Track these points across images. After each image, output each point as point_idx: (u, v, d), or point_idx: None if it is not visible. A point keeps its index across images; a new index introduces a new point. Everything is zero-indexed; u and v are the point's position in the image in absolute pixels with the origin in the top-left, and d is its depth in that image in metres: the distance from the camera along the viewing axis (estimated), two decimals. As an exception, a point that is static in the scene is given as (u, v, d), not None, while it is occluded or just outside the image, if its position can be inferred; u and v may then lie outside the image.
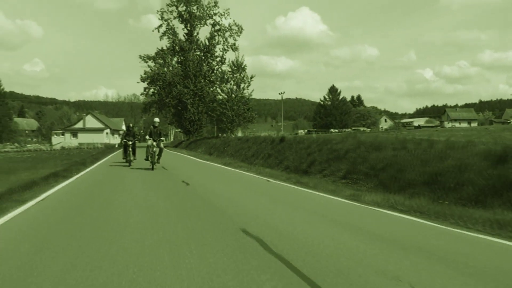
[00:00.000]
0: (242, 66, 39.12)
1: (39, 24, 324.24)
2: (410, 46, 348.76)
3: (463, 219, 5.39)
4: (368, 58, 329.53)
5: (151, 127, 15.69)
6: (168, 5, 45.23)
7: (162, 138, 15.35)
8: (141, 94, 49.54)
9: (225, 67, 43.69)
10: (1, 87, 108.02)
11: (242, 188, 9.82)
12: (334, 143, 12.50)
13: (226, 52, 45.70)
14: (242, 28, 45.36)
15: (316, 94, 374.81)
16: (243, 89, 38.08)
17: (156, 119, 15.96)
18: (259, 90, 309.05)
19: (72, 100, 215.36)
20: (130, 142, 17.27)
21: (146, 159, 15.07)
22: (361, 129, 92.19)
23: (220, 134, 38.74)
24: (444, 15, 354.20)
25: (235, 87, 37.55)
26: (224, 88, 38.19)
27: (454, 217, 5.54)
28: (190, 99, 43.54)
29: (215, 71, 45.39)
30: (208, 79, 45.16)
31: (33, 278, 3.29)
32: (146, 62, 45.30)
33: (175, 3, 44.98)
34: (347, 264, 3.60)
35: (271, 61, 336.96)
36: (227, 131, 36.79)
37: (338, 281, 3.16)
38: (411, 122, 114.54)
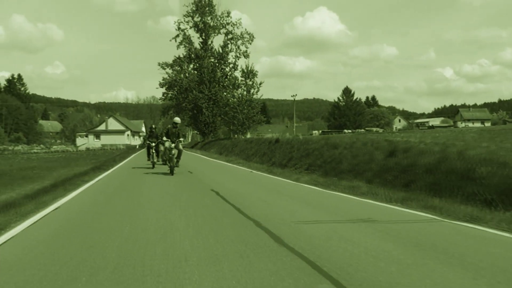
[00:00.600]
0: (253, 72, 43.09)
1: (60, 27, 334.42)
2: (430, 44, 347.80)
3: (348, 189, 9.10)
4: (387, 57, 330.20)
5: (169, 126, 14.82)
6: (184, 15, 49.49)
7: (181, 139, 14.30)
8: (160, 99, 54.09)
9: (237, 73, 47.69)
10: (27, 90, 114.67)
11: (229, 175, 14.04)
12: (310, 144, 16.21)
13: (238, 59, 49.67)
14: (253, 36, 49.27)
15: (334, 94, 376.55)
16: (253, 94, 41.97)
17: (177, 119, 14.89)
18: (277, 90, 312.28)
19: (93, 102, 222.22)
20: (154, 144, 17.08)
21: (164, 163, 14.85)
22: (374, 129, 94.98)
23: (232, 136, 42.63)
24: (464, 12, 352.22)
25: (245, 92, 41.47)
26: (235, 94, 42.20)
27: (344, 188, 9.26)
28: (205, 103, 47.62)
29: (228, 76, 49.34)
30: (221, 84, 49.16)
31: (112, 206, 7.16)
32: (164, 69, 49.67)
33: (191, 14, 49.13)
34: (274, 209, 7.33)
35: (289, 61, 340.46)
36: (238, 133, 40.76)
37: (260, 213, 6.82)
38: (426, 122, 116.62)
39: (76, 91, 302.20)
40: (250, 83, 42.36)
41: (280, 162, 16.37)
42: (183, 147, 18.13)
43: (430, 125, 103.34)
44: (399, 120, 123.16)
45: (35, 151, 63.27)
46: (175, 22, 49.55)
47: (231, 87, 45.14)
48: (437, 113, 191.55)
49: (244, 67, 43.30)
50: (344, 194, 8.58)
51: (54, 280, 3.24)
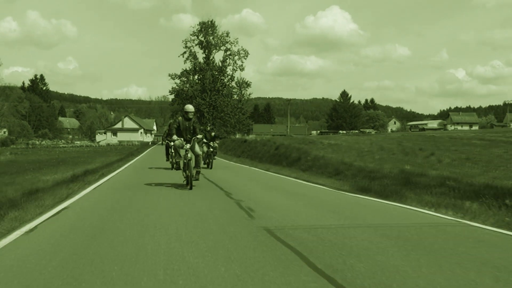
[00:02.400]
0: (247, 82, 54.92)
1: (74, 24, 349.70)
2: (442, 45, 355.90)
3: (259, 166, 20.63)
4: (399, 58, 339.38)
5: (180, 118, 10.87)
6: (191, 34, 61.36)
7: (199, 136, 10.71)
8: (169, 104, 65.86)
9: (233, 84, 59.47)
10: (46, 86, 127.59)
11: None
12: (258, 143, 27.79)
13: (235, 72, 61.42)
14: (248, 53, 61.00)
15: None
16: (243, 103, 53.74)
17: (189, 107, 10.94)
18: (288, 89, 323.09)
19: (105, 98, 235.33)
20: (172, 143, 15.88)
21: (177, 168, 12.16)
22: (367, 131, 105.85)
23: (227, 136, 54.35)
24: (478, 13, 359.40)
25: (237, 101, 53.34)
26: (229, 103, 54.09)
27: (258, 166, 20.77)
28: (206, 109, 59.44)
29: (226, 86, 61.13)
30: (221, 93, 60.95)
31: (141, 176, 18.73)
32: (174, 79, 61.63)
33: (196, 34, 61.02)
34: (230, 182, 18.81)
35: (301, 60, 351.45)
36: (230, 134, 52.55)
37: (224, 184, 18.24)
38: (422, 124, 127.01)
39: (88, 87, 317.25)
40: (245, 93, 54.18)
41: (239, 154, 28.05)
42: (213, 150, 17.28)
43: (422, 127, 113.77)
44: (394, 122, 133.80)
45: (62, 145, 75.48)
46: (183, 41, 61.31)
47: (228, 96, 56.97)
48: (442, 114, 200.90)
49: (238, 79, 55.11)
50: (253, 167, 20.10)
51: (123, 197, 14.74)
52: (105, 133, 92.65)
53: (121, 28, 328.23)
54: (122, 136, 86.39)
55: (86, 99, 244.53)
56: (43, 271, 3.54)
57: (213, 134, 18.46)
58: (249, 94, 53.44)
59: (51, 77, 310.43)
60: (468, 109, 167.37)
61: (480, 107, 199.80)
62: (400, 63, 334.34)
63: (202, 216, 6.33)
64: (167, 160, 17.77)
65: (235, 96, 54.13)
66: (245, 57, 61.02)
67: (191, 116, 10.48)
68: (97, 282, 3.30)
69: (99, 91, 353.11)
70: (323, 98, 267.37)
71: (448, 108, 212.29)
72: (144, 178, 13.24)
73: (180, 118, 10.74)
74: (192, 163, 10.29)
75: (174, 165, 12.58)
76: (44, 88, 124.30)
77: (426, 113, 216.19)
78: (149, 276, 3.46)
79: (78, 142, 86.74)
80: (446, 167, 15.03)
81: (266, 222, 5.83)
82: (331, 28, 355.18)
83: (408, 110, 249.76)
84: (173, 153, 15.80)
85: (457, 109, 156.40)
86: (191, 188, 9.86)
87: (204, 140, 15.98)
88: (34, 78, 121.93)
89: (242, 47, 62.78)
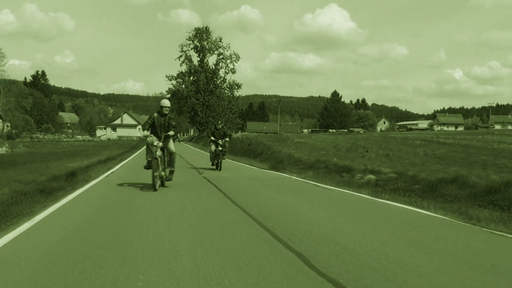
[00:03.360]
0: (238, 84, 61.32)
1: (71, 17, 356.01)
2: (440, 45, 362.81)
3: (231, 158, 27.05)
4: (397, 57, 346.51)
5: (155, 115, 10.30)
6: (186, 39, 67.76)
7: (170, 133, 10.00)
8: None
9: (225, 85, 65.97)
10: (47, 81, 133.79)
11: (196, 155, 31.78)
12: (239, 140, 34.22)
13: (227, 74, 67.89)
14: (239, 57, 67.48)
15: (344, 92, 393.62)
16: (234, 103, 60.16)
17: (165, 101, 10.50)
18: (286, 86, 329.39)
19: (102, 93, 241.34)
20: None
21: (148, 167, 9.70)
22: (356, 130, 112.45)
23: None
24: (475, 14, 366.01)
25: (227, 102, 59.84)
26: (220, 103, 60.62)
27: (230, 158, 27.19)
28: (200, 108, 65.87)
29: (218, 88, 67.63)
30: (214, 93, 67.41)
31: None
32: (170, 80, 68.02)
33: (192, 39, 67.38)
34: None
35: (298, 58, 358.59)
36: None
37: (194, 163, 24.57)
38: (407, 124, 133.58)
39: (85, 81, 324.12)
40: (235, 94, 60.71)
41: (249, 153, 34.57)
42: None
43: (409, 128, 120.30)
44: (384, 122, 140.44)
45: (65, 139, 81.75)
46: (179, 45, 67.60)
47: (220, 97, 63.57)
48: (438, 113, 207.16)
49: (229, 81, 61.71)
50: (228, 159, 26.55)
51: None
52: (105, 128, 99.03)
53: (119, 23, 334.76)
54: (121, 132, 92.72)
55: (84, 94, 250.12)
56: (121, 180, 10.04)
57: (225, 130, 16.95)
58: (238, 97, 59.74)
59: (48, 71, 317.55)
60: (462, 110, 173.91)
61: (474, 108, 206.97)
62: (398, 62, 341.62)
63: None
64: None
65: (226, 96, 60.68)
66: (237, 61, 67.53)
67: (166, 112, 10.11)
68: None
69: (96, 85, 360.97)
70: (319, 96, 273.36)
71: (442, 108, 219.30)
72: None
73: (155, 114, 10.27)
74: (162, 162, 9.76)
75: (146, 165, 9.83)
76: (45, 83, 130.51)
77: (422, 112, 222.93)
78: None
79: (80, 136, 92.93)
80: (361, 160, 21.46)
81: (208, 177, 12.28)
82: (330, 26, 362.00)
83: (403, 109, 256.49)
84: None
85: (452, 110, 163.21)
86: (155, 190, 9.19)
87: (212, 137, 16.16)
88: (36, 74, 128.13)
89: (234, 51, 69.41)
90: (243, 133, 75.84)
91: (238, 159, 25.17)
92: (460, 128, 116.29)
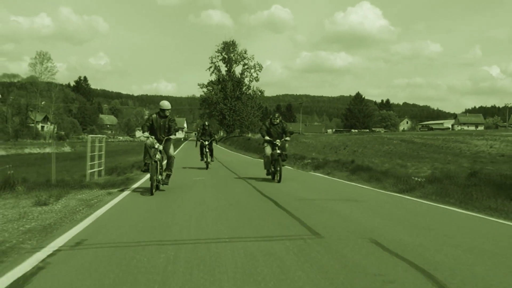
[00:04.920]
0: (261, 90, 72.31)
1: (105, 20, 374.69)
2: (475, 42, 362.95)
3: (231, 149, 37.68)
4: (430, 54, 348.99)
5: (154, 116, 9.94)
6: (216, 52, 79.02)
7: (172, 136, 9.94)
8: (198, 108, 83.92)
9: (250, 92, 76.91)
10: (88, 86, 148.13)
11: (232, 157, 42.62)
12: (245, 138, 44.98)
13: (251, 82, 78.74)
14: (262, 66, 78.20)
15: (374, 90, 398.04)
16: (257, 108, 70.98)
17: (165, 103, 10.01)
18: (317, 85, 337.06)
19: (135, 94, 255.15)
20: (207, 142, 17.52)
21: (145, 170, 9.65)
22: (377, 130, 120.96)
23: (241, 134, 71.72)
24: (510, 9, 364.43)
25: (249, 107, 70.78)
26: (244, 109, 71.62)
27: (230, 149, 37.82)
28: (228, 113, 76.88)
29: (244, 94, 78.59)
30: (240, 99, 78.43)
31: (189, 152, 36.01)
32: (202, 88, 79.46)
33: (221, 51, 78.56)
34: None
35: (330, 56, 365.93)
36: (245, 132, 70.03)
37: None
38: (428, 124, 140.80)
39: (118, 82, 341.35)
40: (253, 102, 71.60)
41: (240, 147, 45.34)
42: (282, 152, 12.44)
43: (430, 127, 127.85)
44: (407, 122, 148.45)
45: (110, 140, 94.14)
46: (209, 57, 78.85)
47: (244, 103, 74.64)
48: (469, 112, 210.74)
49: (251, 90, 72.76)
50: (237, 153, 37.18)
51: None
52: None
53: (151, 24, 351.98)
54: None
55: (118, 95, 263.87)
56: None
57: (284, 126, 12.90)
58: (259, 102, 70.94)
59: (82, 72, 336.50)
60: (493, 108, 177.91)
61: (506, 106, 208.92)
62: (432, 60, 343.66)
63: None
64: (202, 160, 17.91)
65: (250, 102, 72.11)
66: (260, 70, 78.34)
67: (167, 114, 9.80)
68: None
69: (129, 85, 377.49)
70: (350, 95, 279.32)
71: (473, 107, 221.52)
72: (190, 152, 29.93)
73: (154, 115, 9.93)
74: (161, 165, 9.72)
75: (143, 167, 9.72)
76: (87, 87, 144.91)
77: (454, 111, 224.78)
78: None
79: (121, 137, 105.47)
80: (333, 154, 31.57)
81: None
82: (361, 24, 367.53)
83: (435, 108, 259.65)
84: (208, 153, 17.65)
85: (483, 109, 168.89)
86: (152, 194, 9.02)
87: (267, 137, 12.53)
88: (79, 79, 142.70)
89: (257, 62, 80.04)
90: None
91: (237, 150, 35.56)
92: (481, 128, 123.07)
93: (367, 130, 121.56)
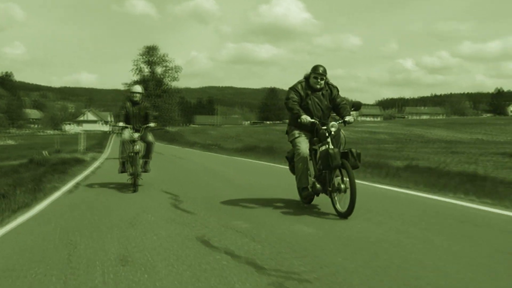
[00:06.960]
0: (178, 89, 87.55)
1: (21, 7, 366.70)
2: (393, 36, 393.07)
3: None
4: (351, 47, 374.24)
5: (128, 104, 9.23)
6: (138, 55, 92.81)
7: (151, 125, 9.19)
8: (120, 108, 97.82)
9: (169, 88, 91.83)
10: (13, 80, 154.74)
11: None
12: (164, 131, 60.02)
13: (171, 82, 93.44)
14: (181, 68, 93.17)
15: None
16: (175, 104, 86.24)
17: (137, 87, 9.62)
18: (242, 77, 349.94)
19: (56, 86, 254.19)
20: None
21: (123, 170, 9.19)
22: (287, 120, 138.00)
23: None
24: (426, 5, 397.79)
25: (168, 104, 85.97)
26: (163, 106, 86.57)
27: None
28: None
29: (165, 92, 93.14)
30: (161, 97, 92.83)
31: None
32: (126, 87, 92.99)
33: (143, 55, 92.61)
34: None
35: (255, 48, 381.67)
36: (166, 126, 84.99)
37: None
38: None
39: (36, 73, 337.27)
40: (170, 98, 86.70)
41: (161, 138, 60.47)
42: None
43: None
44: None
45: (40, 133, 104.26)
46: (133, 60, 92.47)
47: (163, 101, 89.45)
48: (379, 105, 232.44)
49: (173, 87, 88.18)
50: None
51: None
52: (69, 124, 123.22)
53: (71, 13, 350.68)
54: (86, 127, 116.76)
55: (37, 87, 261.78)
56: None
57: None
58: (179, 100, 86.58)
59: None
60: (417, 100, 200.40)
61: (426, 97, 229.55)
62: (353, 53, 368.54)
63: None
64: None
65: (170, 99, 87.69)
66: (179, 72, 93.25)
67: (137, 99, 9.08)
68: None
69: (48, 77, 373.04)
70: (273, 87, 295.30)
71: (390, 97, 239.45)
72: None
73: (127, 103, 9.19)
74: (139, 157, 8.94)
75: (121, 168, 9.04)
76: (14, 82, 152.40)
77: (372, 102, 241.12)
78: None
79: (50, 131, 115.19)
80: (222, 141, 47.33)
81: None
82: (285, 17, 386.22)
83: (353, 99, 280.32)
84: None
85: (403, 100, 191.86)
86: (135, 191, 8.39)
87: (304, 116, 5.98)
88: (4, 75, 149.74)
89: (175, 64, 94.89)
90: (192, 125, 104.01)
91: (160, 142, 50.43)
92: (378, 119, 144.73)
93: (280, 122, 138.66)
